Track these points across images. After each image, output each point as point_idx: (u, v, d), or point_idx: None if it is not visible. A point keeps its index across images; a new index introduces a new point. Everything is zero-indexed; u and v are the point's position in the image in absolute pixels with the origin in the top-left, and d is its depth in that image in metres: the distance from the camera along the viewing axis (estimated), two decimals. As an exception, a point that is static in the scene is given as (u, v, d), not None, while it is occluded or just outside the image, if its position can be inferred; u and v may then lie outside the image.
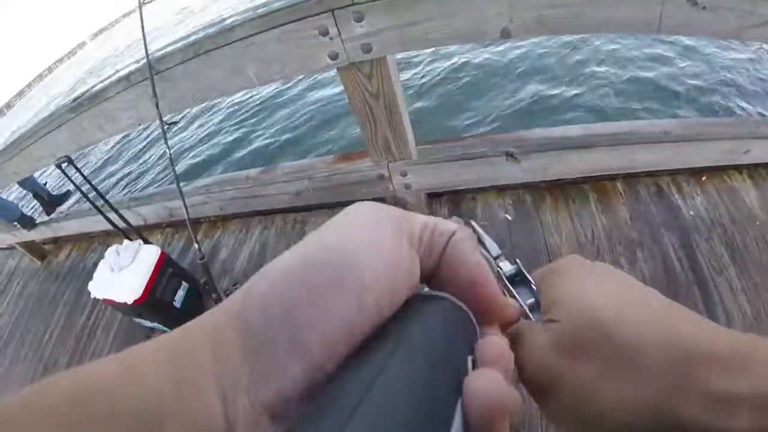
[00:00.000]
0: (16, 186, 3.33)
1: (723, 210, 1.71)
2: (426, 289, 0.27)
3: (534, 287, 0.35)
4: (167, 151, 1.71)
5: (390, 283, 0.22)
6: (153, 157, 6.31)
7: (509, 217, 1.94)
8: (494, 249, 0.40)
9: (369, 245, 0.23)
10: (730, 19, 1.13)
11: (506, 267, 0.38)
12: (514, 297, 0.36)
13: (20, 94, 30.74)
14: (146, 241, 2.15)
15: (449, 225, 0.27)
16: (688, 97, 3.84)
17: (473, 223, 0.44)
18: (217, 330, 0.22)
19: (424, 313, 0.23)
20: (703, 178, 1.81)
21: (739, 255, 1.59)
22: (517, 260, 0.38)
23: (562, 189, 1.96)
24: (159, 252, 2.03)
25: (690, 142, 1.62)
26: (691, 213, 1.73)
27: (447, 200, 2.09)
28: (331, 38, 1.40)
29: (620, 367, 0.26)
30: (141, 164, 6.33)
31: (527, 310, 0.34)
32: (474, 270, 0.27)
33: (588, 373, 0.27)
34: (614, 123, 1.92)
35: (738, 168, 1.79)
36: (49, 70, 33.97)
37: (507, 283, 0.37)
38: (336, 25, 1.36)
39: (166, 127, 1.74)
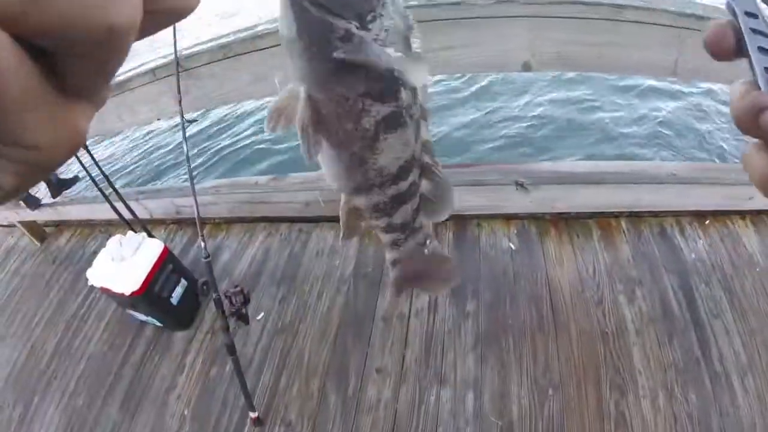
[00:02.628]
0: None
1: (724, 254, 1.74)
2: None
3: None
4: (185, 147, 1.73)
5: None
6: (167, 153, 6.30)
7: (513, 246, 1.97)
8: None
9: None
10: (745, 67, 1.18)
11: None
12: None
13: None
14: (150, 235, 2.15)
15: None
16: (696, 141, 3.92)
17: None
18: None
19: None
20: (707, 222, 1.85)
21: (736, 300, 1.61)
22: None
23: (566, 223, 1.99)
24: (162, 247, 2.04)
25: (695, 185, 1.65)
26: (693, 255, 1.76)
27: (452, 224, 2.11)
28: (360, 54, 1.43)
29: None
30: (154, 159, 6.31)
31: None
32: None
33: None
34: (622, 162, 1.96)
35: (741, 213, 1.82)
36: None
37: None
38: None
39: (186, 124, 1.76)
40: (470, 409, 1.55)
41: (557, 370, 1.59)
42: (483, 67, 1.43)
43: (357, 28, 0.43)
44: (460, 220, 2.11)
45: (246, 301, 1.67)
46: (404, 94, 0.49)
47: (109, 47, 0.17)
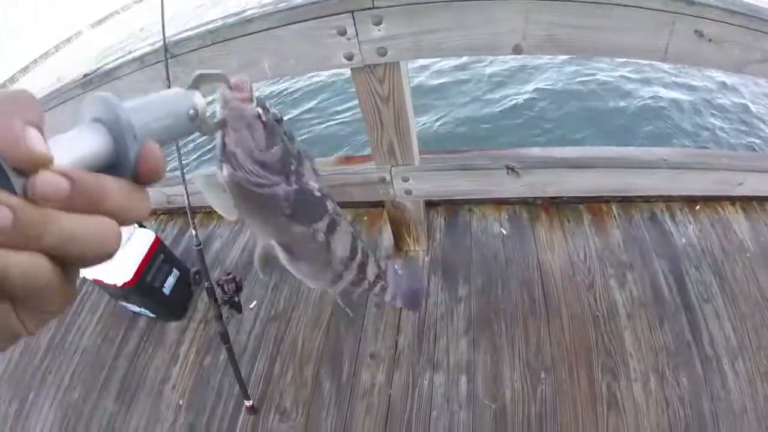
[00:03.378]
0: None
1: (714, 240, 1.76)
2: None
3: None
4: (173, 135, 1.71)
5: None
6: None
7: (504, 232, 1.97)
8: None
9: None
10: (734, 53, 1.18)
11: None
12: None
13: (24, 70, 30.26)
14: (141, 225, 2.14)
15: None
16: (687, 127, 3.94)
17: None
18: None
19: None
20: (697, 207, 1.86)
21: (727, 284, 1.63)
22: None
23: (557, 208, 2.00)
24: (153, 237, 2.03)
25: (685, 170, 1.66)
26: (683, 240, 1.78)
27: (444, 210, 2.11)
28: (349, 39, 1.42)
29: None
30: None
31: None
32: None
33: None
34: (612, 147, 1.95)
35: (731, 199, 1.84)
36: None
37: None
38: (354, 26, 1.39)
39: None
40: (463, 392, 1.56)
41: (549, 353, 1.60)
42: (472, 51, 1.41)
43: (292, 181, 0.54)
44: (451, 206, 2.11)
45: (238, 289, 1.66)
46: (329, 203, 0.61)
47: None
